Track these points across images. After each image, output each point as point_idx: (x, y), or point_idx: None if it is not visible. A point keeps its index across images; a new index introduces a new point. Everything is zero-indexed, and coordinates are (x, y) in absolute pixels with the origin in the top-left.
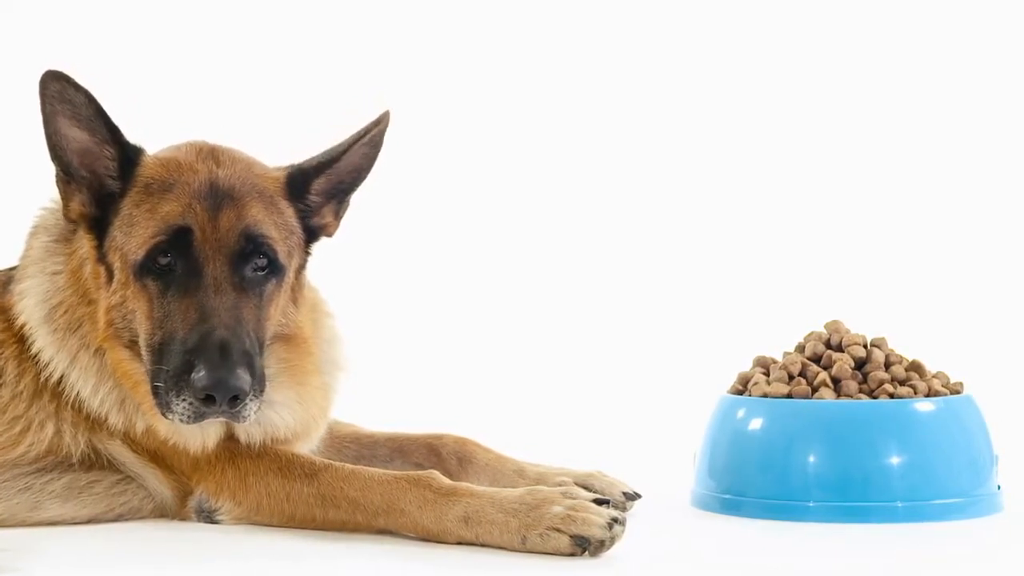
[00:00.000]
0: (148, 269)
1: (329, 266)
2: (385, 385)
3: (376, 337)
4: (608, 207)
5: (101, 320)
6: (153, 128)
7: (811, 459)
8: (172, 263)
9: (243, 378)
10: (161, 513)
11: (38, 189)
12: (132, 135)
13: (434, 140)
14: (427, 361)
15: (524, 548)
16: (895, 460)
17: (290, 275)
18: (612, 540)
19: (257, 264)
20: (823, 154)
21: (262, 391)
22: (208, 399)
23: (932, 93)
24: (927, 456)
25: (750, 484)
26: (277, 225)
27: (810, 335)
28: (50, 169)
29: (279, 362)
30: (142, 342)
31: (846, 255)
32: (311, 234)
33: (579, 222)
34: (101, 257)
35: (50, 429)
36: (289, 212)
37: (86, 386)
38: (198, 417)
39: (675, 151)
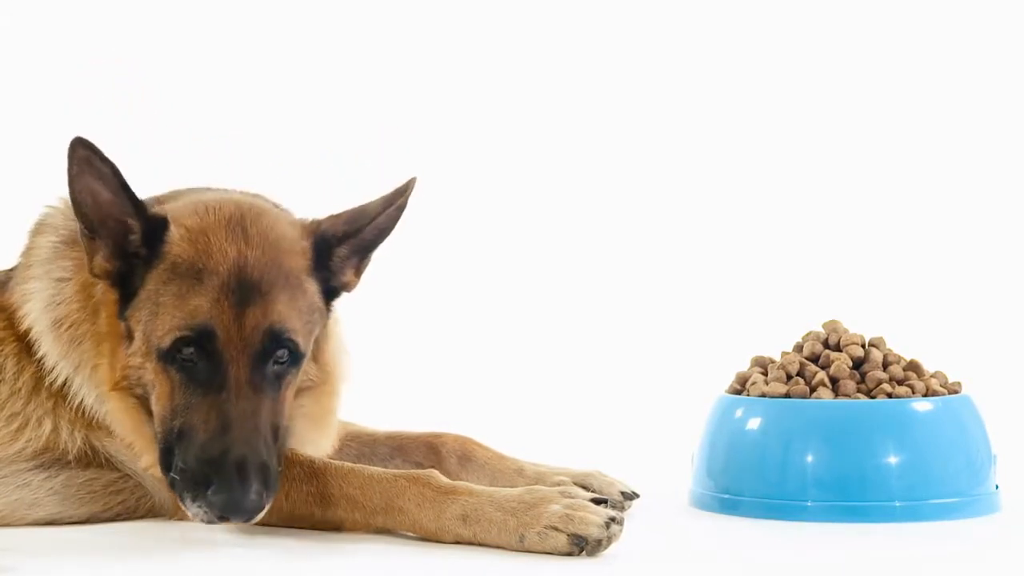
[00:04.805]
0: (172, 358)
1: None
2: (385, 385)
3: (376, 336)
4: (607, 207)
5: (116, 372)
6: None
7: (809, 459)
8: (195, 357)
9: (256, 500)
10: (158, 512)
11: (37, 189)
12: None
13: (433, 142)
14: (427, 361)
15: (522, 547)
16: (893, 460)
17: (310, 351)
18: (609, 540)
19: (278, 358)
20: (821, 154)
21: (275, 490)
22: (223, 518)
23: (931, 93)
24: (925, 456)
25: (748, 483)
26: (300, 312)
27: (808, 335)
28: (49, 169)
29: (299, 407)
30: (158, 415)
31: (845, 255)
32: (332, 294)
33: (578, 222)
34: (121, 316)
35: (48, 426)
36: (313, 289)
37: (90, 395)
38: (211, 523)
39: (673, 152)
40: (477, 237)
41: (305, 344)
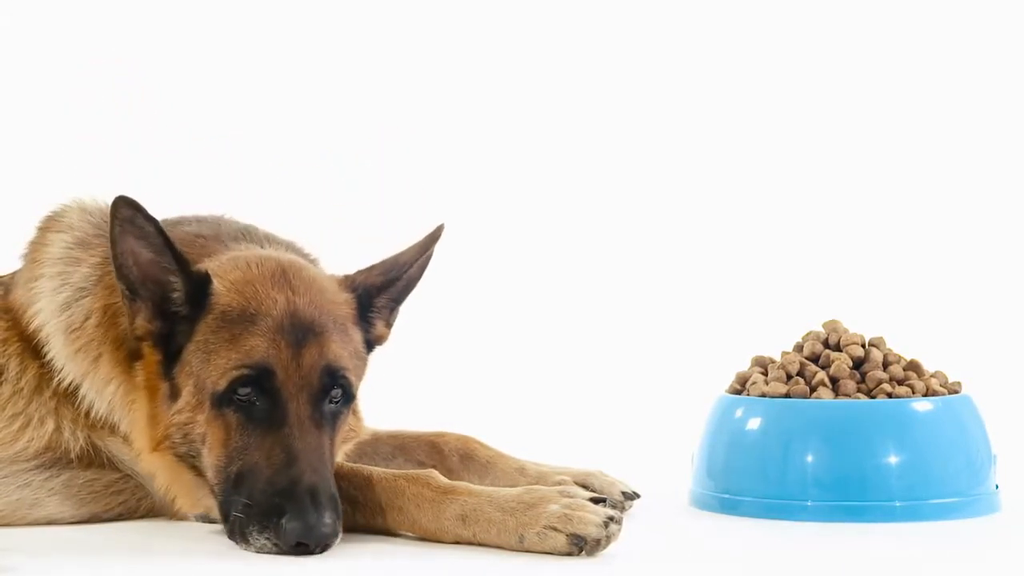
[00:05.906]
0: (228, 400)
1: (329, 264)
2: (387, 385)
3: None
4: (606, 207)
5: (158, 431)
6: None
7: (809, 459)
8: (253, 396)
9: (331, 526)
10: (158, 512)
11: (37, 189)
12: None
13: (433, 142)
14: (429, 361)
15: (521, 547)
16: (893, 459)
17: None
18: (608, 539)
19: (333, 397)
20: (821, 154)
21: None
22: (299, 545)
23: (930, 93)
24: (925, 456)
25: (748, 483)
26: (351, 355)
27: (808, 334)
28: (49, 169)
29: (345, 456)
30: (212, 466)
31: (845, 255)
32: (368, 347)
33: (577, 222)
34: (167, 375)
35: (50, 425)
36: (358, 338)
37: (100, 401)
38: (279, 554)
39: (673, 151)
40: (478, 237)
41: (356, 386)
